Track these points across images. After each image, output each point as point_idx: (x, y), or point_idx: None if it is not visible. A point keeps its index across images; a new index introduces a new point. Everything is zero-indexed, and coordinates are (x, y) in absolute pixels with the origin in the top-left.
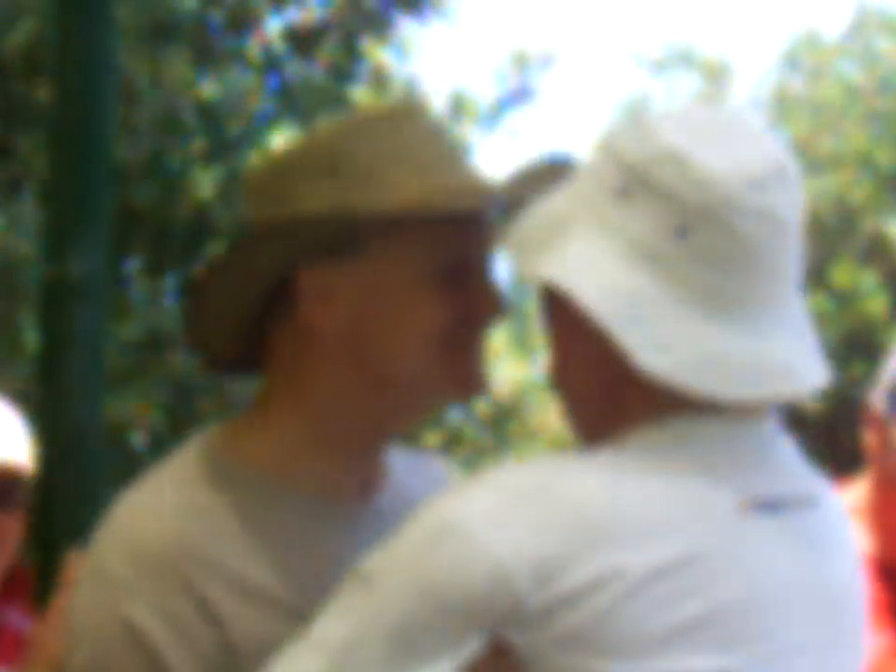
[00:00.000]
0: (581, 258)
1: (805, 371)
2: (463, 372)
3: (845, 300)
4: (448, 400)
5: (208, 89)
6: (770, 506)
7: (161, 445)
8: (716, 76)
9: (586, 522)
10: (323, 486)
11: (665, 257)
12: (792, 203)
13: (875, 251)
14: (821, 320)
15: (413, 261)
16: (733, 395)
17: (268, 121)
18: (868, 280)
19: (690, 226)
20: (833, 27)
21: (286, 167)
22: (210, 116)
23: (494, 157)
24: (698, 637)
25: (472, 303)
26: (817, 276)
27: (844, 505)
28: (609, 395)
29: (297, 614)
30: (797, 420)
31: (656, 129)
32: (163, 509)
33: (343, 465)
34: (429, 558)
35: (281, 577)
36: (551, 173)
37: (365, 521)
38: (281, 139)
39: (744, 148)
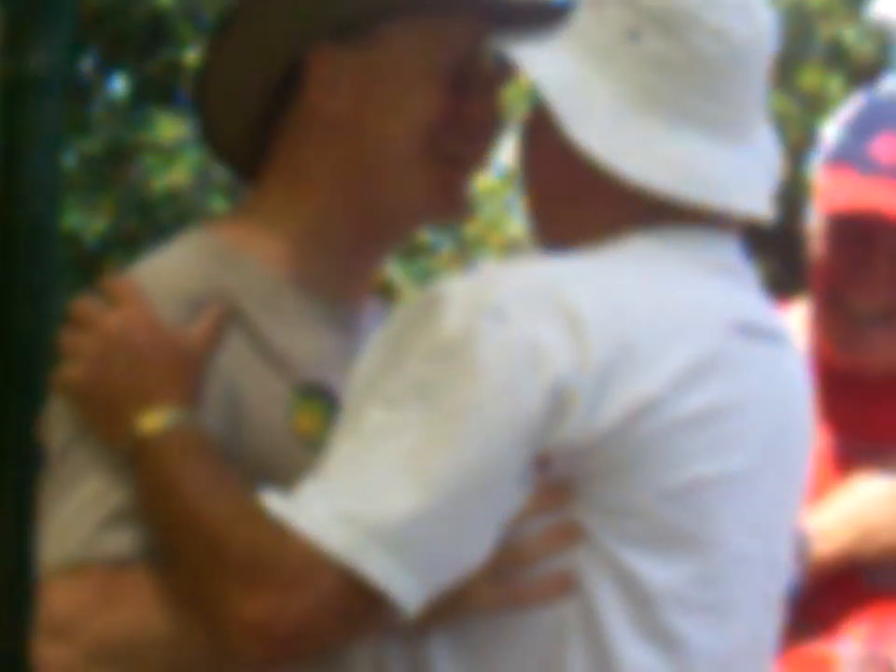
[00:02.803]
0: (547, 56)
1: (754, 192)
2: (446, 186)
3: (810, 102)
4: (429, 213)
5: None
6: (747, 331)
7: (113, 251)
8: None
9: (612, 327)
10: (323, 288)
11: (616, 57)
12: (754, 35)
13: (834, 57)
14: (785, 121)
15: (419, 52)
16: (684, 197)
17: None
18: (834, 84)
19: (642, 30)
20: None
21: None
22: None
23: None
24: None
25: (468, 109)
26: (781, 78)
27: (800, 318)
28: (579, 199)
29: (304, 387)
30: (754, 232)
31: None
32: (179, 264)
33: (341, 268)
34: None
35: (296, 350)
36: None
37: (360, 329)
38: None
39: None
